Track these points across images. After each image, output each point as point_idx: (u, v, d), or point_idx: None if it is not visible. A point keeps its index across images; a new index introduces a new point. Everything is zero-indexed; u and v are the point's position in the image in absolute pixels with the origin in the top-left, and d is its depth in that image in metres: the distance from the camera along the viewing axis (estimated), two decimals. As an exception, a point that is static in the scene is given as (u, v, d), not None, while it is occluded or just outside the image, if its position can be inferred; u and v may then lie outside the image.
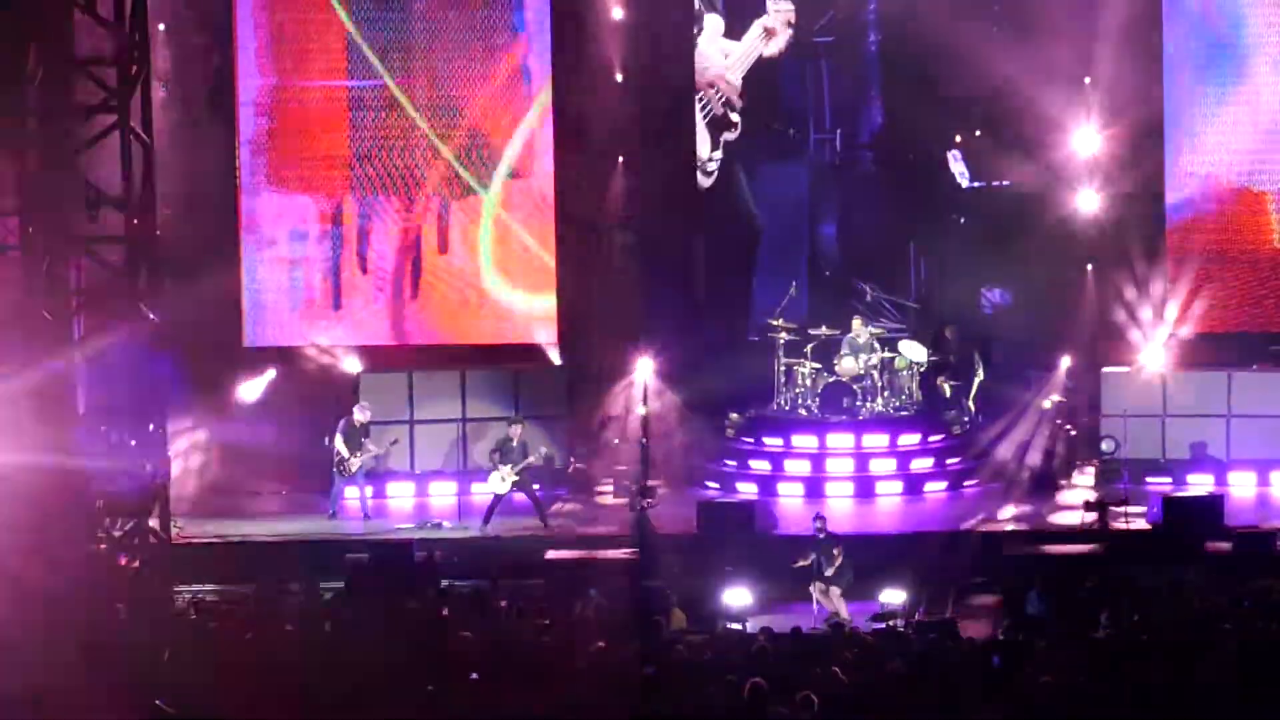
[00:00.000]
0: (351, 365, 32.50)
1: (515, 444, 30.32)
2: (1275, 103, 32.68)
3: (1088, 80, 32.79)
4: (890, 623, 25.64)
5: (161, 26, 30.73)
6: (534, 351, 33.08)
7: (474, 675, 19.91)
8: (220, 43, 32.83)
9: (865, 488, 31.27)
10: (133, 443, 23.26)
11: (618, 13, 33.05)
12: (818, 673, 20.43)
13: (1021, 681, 20.42)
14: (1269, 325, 32.42)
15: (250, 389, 32.67)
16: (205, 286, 31.28)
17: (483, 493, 30.83)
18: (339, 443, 30.83)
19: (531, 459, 30.14)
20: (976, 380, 32.36)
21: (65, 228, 22.80)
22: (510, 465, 29.91)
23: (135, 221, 23.09)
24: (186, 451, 31.10)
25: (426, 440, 32.37)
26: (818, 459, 31.80)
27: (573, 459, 32.75)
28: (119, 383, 23.36)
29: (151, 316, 23.04)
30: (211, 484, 31.51)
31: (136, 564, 23.41)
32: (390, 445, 31.69)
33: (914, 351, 32.17)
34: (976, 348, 32.64)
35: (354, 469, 30.85)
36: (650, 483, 31.09)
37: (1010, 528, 30.18)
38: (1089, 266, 32.98)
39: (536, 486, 30.23)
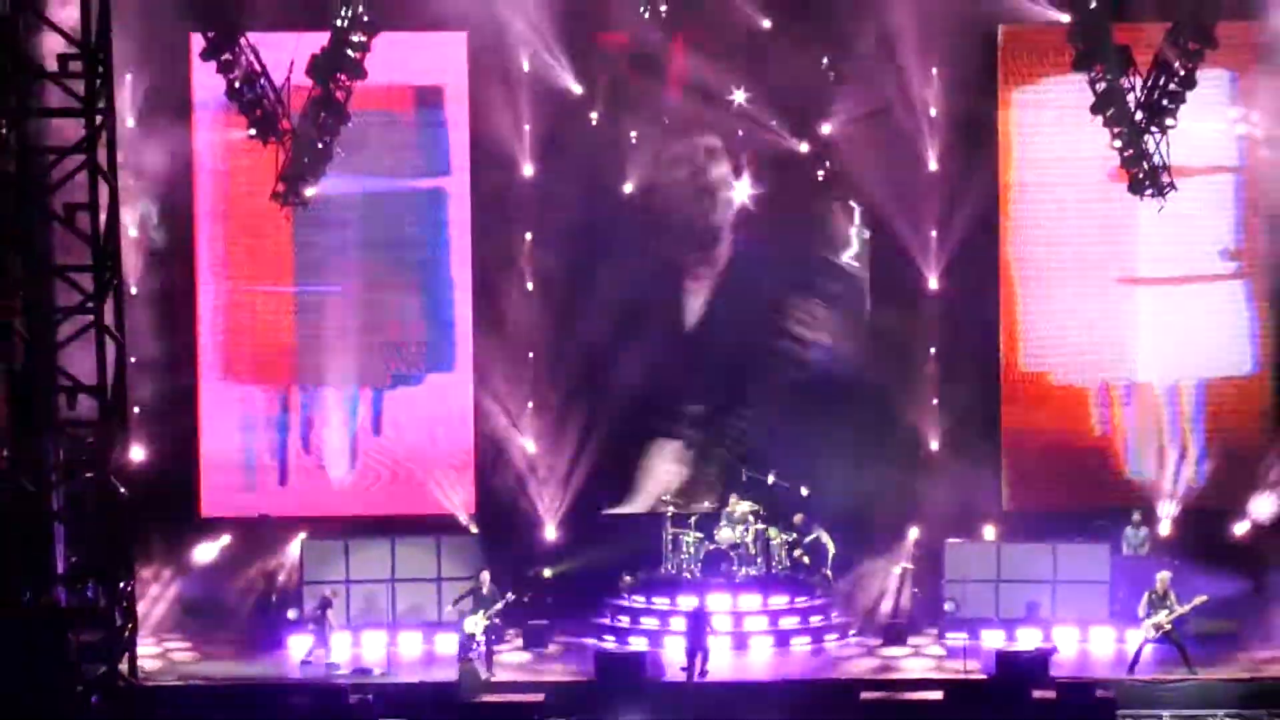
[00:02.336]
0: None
1: (485, 590, 30.31)
2: (1094, 310, 33.15)
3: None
4: None
5: (133, 232, 30.93)
6: (454, 521, 32.97)
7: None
8: (183, 254, 32.76)
9: (740, 642, 30.94)
10: (103, 602, 23.56)
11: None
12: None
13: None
14: (1089, 504, 32.80)
15: (205, 551, 32.36)
16: (167, 461, 31.50)
17: (452, 636, 30.55)
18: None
19: (499, 605, 30.17)
20: (830, 553, 32.11)
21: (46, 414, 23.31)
22: (483, 610, 29.94)
23: (109, 406, 23.60)
24: (151, 604, 30.66)
25: (361, 596, 31.56)
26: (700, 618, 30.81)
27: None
28: (93, 546, 23.52)
29: (122, 491, 23.53)
30: (170, 632, 30.96)
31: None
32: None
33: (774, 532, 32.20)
34: (824, 527, 32.43)
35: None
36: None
37: (866, 677, 29.62)
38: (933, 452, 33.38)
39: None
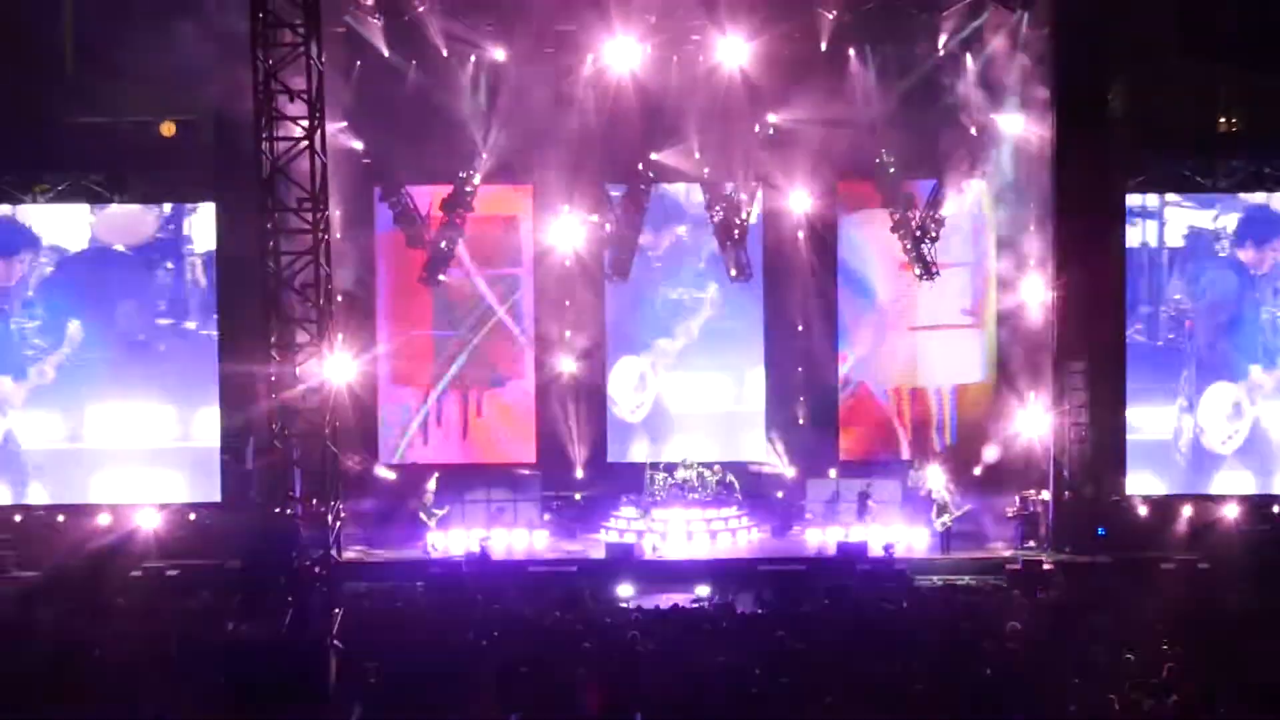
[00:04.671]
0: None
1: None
2: (895, 345, 32.84)
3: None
4: (701, 603, 25.57)
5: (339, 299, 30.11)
6: (523, 466, 32.66)
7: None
8: (368, 310, 32.63)
9: (688, 536, 30.57)
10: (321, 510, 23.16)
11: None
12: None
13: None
14: (889, 458, 32.63)
15: (384, 472, 32.30)
16: (358, 430, 31.40)
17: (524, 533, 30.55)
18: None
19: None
20: (736, 486, 31.64)
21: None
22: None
23: (326, 398, 23.37)
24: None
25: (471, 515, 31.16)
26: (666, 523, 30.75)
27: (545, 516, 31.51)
28: (315, 479, 23.12)
29: (333, 448, 23.25)
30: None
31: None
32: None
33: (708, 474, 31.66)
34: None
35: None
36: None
37: (762, 556, 29.62)
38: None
39: None
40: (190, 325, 30.89)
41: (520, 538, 30.92)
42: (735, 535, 31.22)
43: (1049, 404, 30.22)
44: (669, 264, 33.49)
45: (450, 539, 30.31)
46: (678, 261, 33.45)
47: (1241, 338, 30.81)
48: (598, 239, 32.79)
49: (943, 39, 30.79)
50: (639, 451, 33.14)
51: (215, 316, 30.28)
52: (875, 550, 28.73)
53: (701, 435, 33.15)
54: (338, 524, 23.69)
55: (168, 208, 30.91)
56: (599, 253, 32.82)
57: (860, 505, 30.96)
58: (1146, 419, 30.74)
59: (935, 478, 30.85)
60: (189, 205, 30.77)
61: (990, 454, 31.98)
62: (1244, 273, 30.86)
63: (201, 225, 30.87)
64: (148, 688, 18.72)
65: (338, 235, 30.19)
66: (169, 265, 30.96)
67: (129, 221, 30.89)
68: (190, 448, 30.67)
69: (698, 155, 31.71)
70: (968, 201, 31.87)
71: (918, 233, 31.26)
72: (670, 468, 31.82)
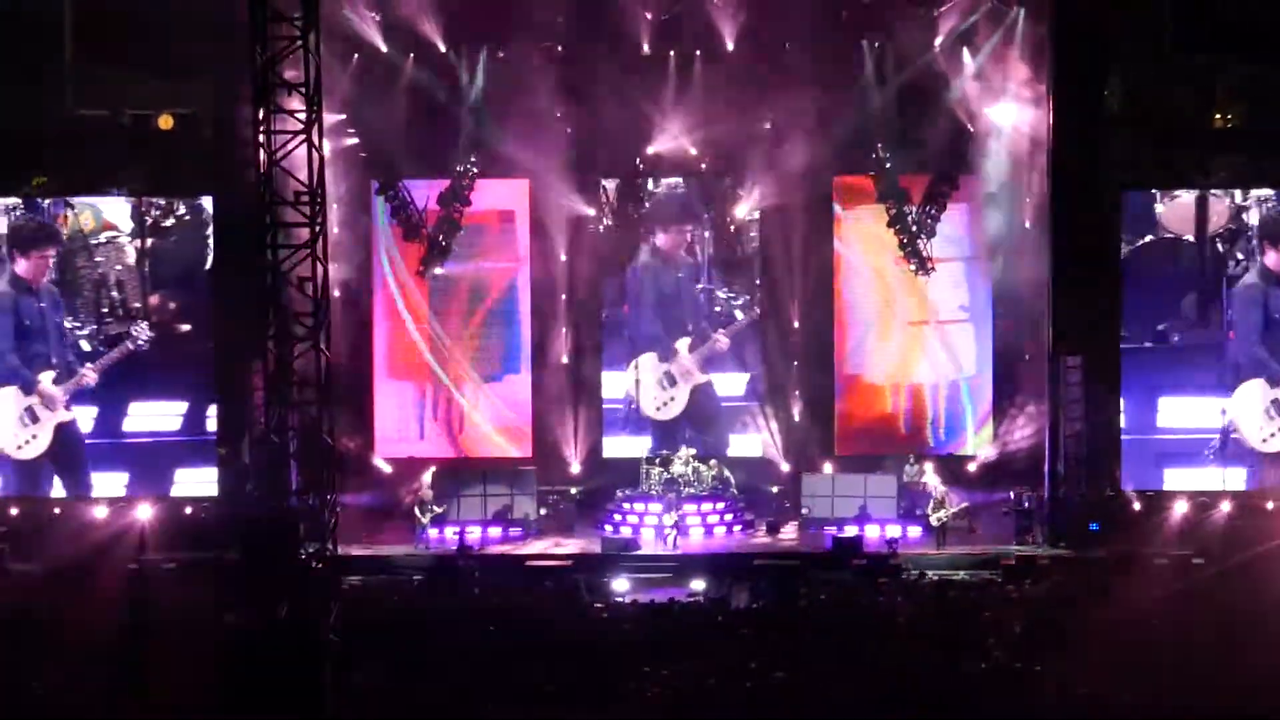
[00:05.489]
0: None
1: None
2: (892, 340, 32.74)
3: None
4: (696, 598, 25.77)
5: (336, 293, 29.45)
6: (520, 461, 32.56)
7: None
8: (365, 303, 32.47)
9: (683, 530, 30.22)
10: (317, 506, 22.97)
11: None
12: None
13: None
14: (885, 452, 32.38)
15: (381, 465, 32.26)
16: (353, 425, 31.46)
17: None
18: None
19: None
20: (732, 481, 31.64)
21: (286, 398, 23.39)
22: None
23: (322, 394, 23.27)
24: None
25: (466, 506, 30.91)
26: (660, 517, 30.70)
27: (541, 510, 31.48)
28: (313, 474, 23.05)
29: (329, 442, 23.23)
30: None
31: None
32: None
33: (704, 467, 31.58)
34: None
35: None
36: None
37: (758, 550, 29.71)
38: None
39: None
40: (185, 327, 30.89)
41: (516, 533, 30.88)
42: (731, 529, 31.20)
43: (1045, 400, 30.34)
44: (679, 260, 33.45)
45: (447, 534, 30.29)
46: (688, 257, 33.46)
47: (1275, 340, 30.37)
48: (594, 233, 32.86)
49: (940, 34, 30.87)
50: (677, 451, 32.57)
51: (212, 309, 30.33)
52: (873, 545, 28.86)
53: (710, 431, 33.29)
54: (334, 518, 23.49)
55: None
56: (596, 247, 32.90)
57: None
58: (1182, 415, 30.37)
59: (931, 473, 30.92)
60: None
61: (986, 450, 32.07)
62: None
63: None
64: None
65: (335, 229, 30.10)
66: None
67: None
68: (188, 439, 30.63)
69: (694, 151, 31.86)
70: (964, 197, 31.91)
71: (914, 228, 31.37)
72: (666, 462, 31.73)
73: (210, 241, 30.30)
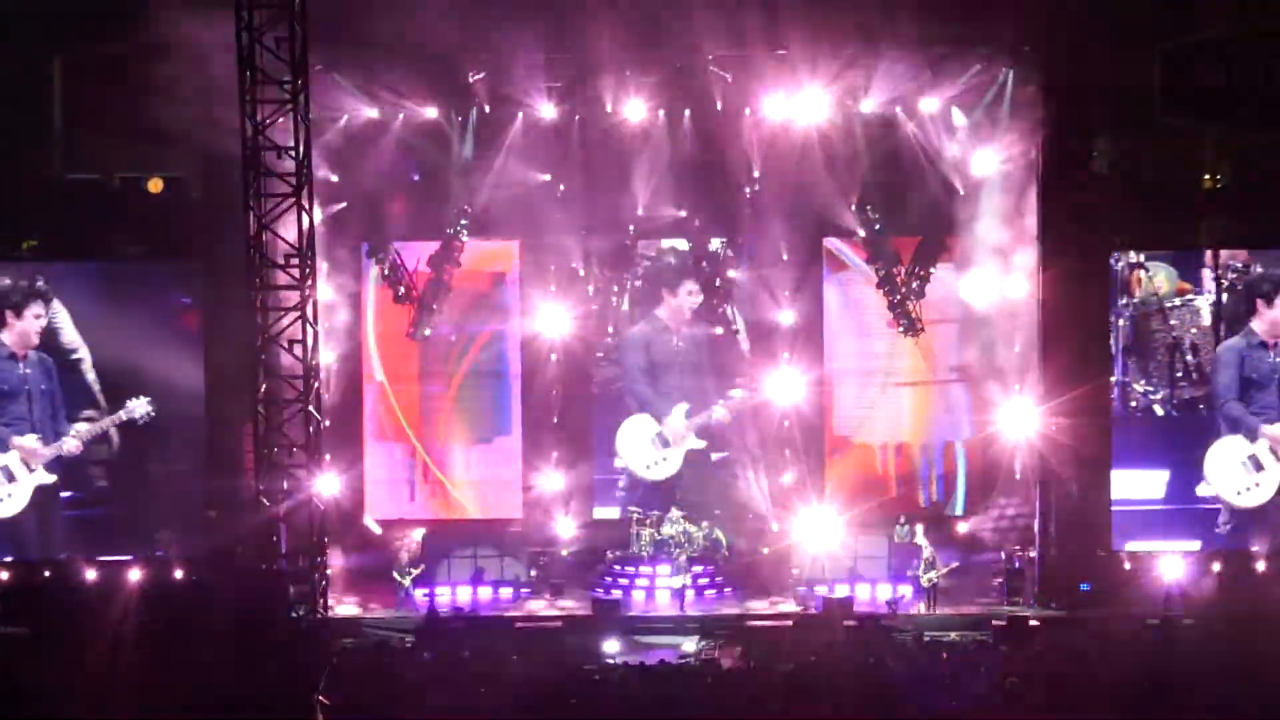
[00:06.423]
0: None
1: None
2: (879, 400, 32.74)
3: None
4: (687, 659, 25.99)
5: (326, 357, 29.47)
6: (509, 522, 32.57)
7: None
8: (354, 367, 32.35)
9: (676, 593, 30.50)
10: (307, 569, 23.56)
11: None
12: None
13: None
14: (875, 513, 31.99)
15: (372, 527, 32.18)
16: (346, 487, 31.14)
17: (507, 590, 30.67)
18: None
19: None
20: (724, 544, 31.64)
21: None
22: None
23: (312, 458, 23.29)
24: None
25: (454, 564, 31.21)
26: (651, 579, 31.21)
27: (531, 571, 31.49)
28: (301, 537, 23.32)
29: (319, 506, 23.29)
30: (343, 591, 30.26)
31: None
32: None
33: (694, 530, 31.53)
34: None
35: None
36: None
37: (750, 612, 29.49)
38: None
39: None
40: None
41: (506, 594, 30.90)
42: (722, 592, 31.13)
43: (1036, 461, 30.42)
44: (672, 322, 33.35)
45: (439, 595, 30.44)
46: (682, 318, 33.30)
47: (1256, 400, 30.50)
48: (585, 294, 32.94)
49: (928, 97, 31.02)
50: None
51: (204, 372, 30.24)
52: (864, 605, 29.18)
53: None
54: (324, 580, 23.66)
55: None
56: (588, 308, 32.95)
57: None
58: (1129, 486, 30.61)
59: (921, 534, 30.88)
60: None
61: (977, 510, 32.08)
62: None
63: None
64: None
65: (325, 290, 29.91)
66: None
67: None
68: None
69: (683, 212, 32.05)
70: (953, 258, 31.96)
71: (903, 289, 31.48)
72: (657, 523, 31.89)
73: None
